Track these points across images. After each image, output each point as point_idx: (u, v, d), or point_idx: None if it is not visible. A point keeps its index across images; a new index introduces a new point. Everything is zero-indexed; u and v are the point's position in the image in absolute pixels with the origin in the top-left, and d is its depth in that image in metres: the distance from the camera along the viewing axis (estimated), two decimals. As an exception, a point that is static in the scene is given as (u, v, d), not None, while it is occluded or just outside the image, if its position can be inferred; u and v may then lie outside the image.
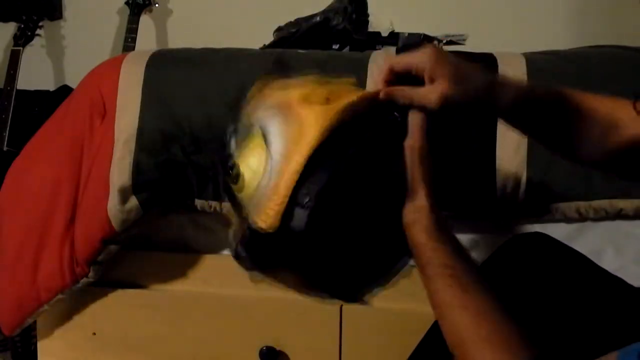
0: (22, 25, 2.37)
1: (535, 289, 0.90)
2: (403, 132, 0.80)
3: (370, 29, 1.83)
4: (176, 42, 2.49)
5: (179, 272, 1.40)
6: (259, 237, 0.77)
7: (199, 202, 1.33)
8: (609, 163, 0.87)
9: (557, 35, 2.23)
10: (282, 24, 1.80)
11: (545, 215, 1.24)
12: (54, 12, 2.60)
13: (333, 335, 1.32)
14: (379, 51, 1.49)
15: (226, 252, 1.40)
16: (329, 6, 1.78)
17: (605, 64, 1.31)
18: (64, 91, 2.33)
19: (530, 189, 1.22)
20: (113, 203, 1.31)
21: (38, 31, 2.39)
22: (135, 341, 1.41)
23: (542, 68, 1.30)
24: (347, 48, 1.74)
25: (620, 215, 1.22)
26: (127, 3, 2.42)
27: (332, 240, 0.79)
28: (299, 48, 1.58)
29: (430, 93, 0.79)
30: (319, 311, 1.32)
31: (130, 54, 1.47)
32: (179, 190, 1.33)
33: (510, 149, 1.22)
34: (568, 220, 1.25)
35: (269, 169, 0.77)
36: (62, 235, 1.36)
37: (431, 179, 0.78)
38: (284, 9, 1.94)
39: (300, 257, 0.78)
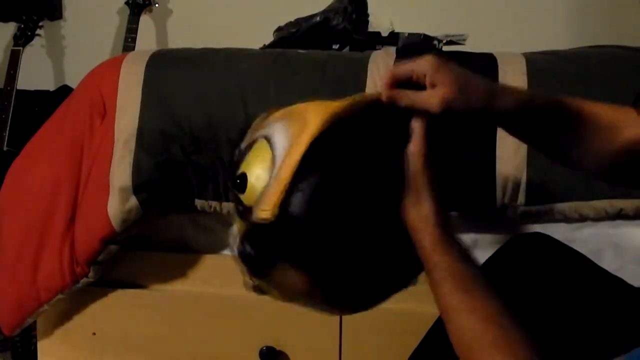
0: (22, 25, 2.37)
1: (536, 290, 0.90)
2: (404, 135, 0.80)
3: (370, 29, 1.83)
4: (176, 42, 2.49)
5: (179, 272, 1.40)
6: (261, 229, 0.76)
7: (199, 202, 1.33)
8: (611, 168, 0.87)
9: (557, 35, 2.23)
10: (282, 24, 1.80)
11: (545, 216, 1.24)
12: (54, 12, 2.60)
13: (333, 335, 1.32)
14: (379, 51, 1.49)
15: (226, 252, 1.40)
16: (329, 6, 1.78)
17: (605, 64, 1.31)
18: (64, 91, 2.33)
19: (530, 189, 1.22)
20: (113, 203, 1.31)
21: (38, 31, 2.39)
22: (135, 341, 1.41)
23: (542, 68, 1.30)
24: (347, 48, 1.74)
25: (620, 215, 1.22)
26: (127, 3, 2.42)
27: (334, 235, 0.78)
28: (299, 48, 1.58)
29: (432, 97, 0.79)
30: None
31: (130, 54, 1.47)
32: (179, 190, 1.33)
33: (510, 150, 1.22)
34: (568, 220, 1.25)
35: (275, 168, 0.77)
36: (62, 235, 1.36)
37: (436, 184, 0.78)
38: (284, 9, 1.94)
39: (303, 249, 0.77)
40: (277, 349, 1.35)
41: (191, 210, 1.35)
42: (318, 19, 1.74)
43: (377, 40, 1.81)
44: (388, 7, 2.07)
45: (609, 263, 1.15)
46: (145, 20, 2.45)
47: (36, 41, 2.41)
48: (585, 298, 0.89)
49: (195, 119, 1.32)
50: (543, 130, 0.85)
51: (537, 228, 1.24)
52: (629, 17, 2.23)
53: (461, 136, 1.21)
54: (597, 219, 1.24)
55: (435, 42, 1.79)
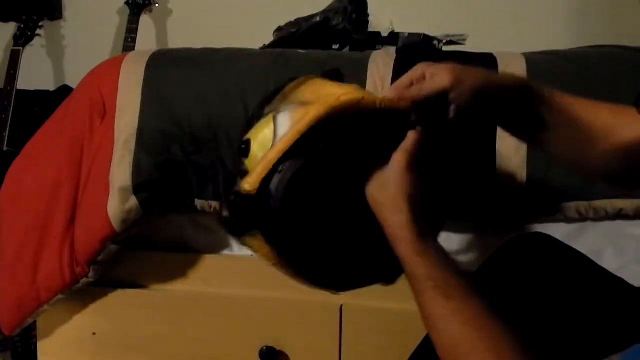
0: (22, 25, 2.37)
1: (536, 289, 0.90)
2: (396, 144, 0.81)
3: (370, 29, 1.83)
4: (176, 42, 2.49)
5: (179, 272, 1.40)
6: (242, 198, 0.80)
7: (199, 202, 1.33)
8: (609, 169, 0.87)
9: (557, 35, 2.23)
10: (282, 24, 1.80)
11: (545, 215, 1.24)
12: (54, 12, 2.60)
13: (333, 335, 1.32)
14: (379, 51, 1.49)
15: (226, 252, 1.40)
16: (329, 6, 1.78)
17: (605, 64, 1.31)
18: (64, 91, 2.33)
19: (530, 189, 1.22)
20: (113, 203, 1.31)
21: (38, 31, 2.39)
22: (135, 341, 1.41)
23: (542, 68, 1.30)
24: (347, 48, 1.74)
25: (620, 215, 1.22)
26: (127, 3, 2.42)
27: (304, 218, 0.82)
28: (299, 48, 1.58)
29: (440, 75, 0.81)
30: (319, 311, 1.32)
31: (130, 54, 1.47)
32: (179, 190, 1.33)
33: (510, 149, 1.22)
34: (568, 220, 1.25)
35: (271, 146, 0.82)
36: (62, 235, 1.36)
37: (417, 194, 0.79)
38: (284, 9, 1.94)
39: (274, 225, 0.81)
40: (277, 349, 1.35)
41: (191, 210, 1.35)
42: (318, 19, 1.74)
43: (377, 40, 1.81)
44: (388, 7, 2.07)
45: (609, 263, 1.15)
46: (145, 20, 2.45)
47: (36, 41, 2.41)
48: (586, 298, 0.89)
49: (195, 119, 1.32)
50: (541, 125, 0.85)
51: (537, 228, 1.24)
52: (629, 17, 2.23)
53: (461, 135, 1.21)
54: (597, 219, 1.24)
55: (435, 42, 1.79)
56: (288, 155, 0.79)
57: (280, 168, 0.79)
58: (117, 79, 1.38)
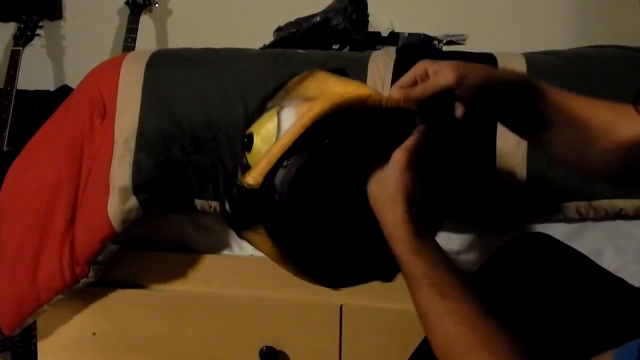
0: (22, 25, 2.37)
1: (536, 289, 0.90)
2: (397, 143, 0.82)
3: (370, 29, 1.83)
4: (176, 42, 2.49)
5: (179, 272, 1.40)
6: (245, 193, 0.80)
7: (199, 202, 1.33)
8: (608, 168, 0.87)
9: (557, 35, 2.24)
10: (282, 24, 1.80)
11: (545, 215, 1.24)
12: (54, 12, 2.60)
13: (333, 335, 1.32)
14: (379, 51, 1.49)
15: (226, 252, 1.40)
16: (329, 6, 1.78)
17: (605, 64, 1.31)
18: (64, 91, 2.33)
19: (530, 189, 1.23)
20: (113, 203, 1.31)
21: (38, 31, 2.40)
22: (135, 341, 1.41)
23: (542, 68, 1.30)
24: (347, 48, 1.74)
25: (620, 215, 1.22)
26: (127, 3, 2.42)
27: (306, 215, 0.82)
28: (299, 48, 1.58)
29: (443, 72, 0.81)
30: (319, 311, 1.32)
31: (130, 54, 1.47)
32: (179, 190, 1.33)
33: (510, 150, 1.22)
34: (568, 220, 1.25)
35: (275, 141, 0.82)
36: (62, 235, 1.36)
37: (415, 193, 0.79)
38: (284, 9, 1.94)
39: (276, 221, 0.81)
40: (277, 349, 1.35)
41: (191, 210, 1.35)
42: (318, 19, 1.74)
43: (377, 40, 1.81)
44: (388, 7, 2.07)
45: (609, 263, 1.15)
46: (145, 20, 2.45)
47: (36, 41, 2.41)
48: (586, 298, 0.89)
49: (195, 119, 1.32)
50: (532, 112, 0.85)
51: (537, 228, 1.24)
52: (629, 17, 2.23)
53: (461, 134, 1.21)
54: (597, 219, 1.24)
55: (435, 42, 1.79)
56: (292, 150, 0.79)
57: (285, 163, 0.79)
58: (117, 79, 1.38)
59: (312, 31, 1.73)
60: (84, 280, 1.36)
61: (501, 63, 1.30)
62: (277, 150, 0.79)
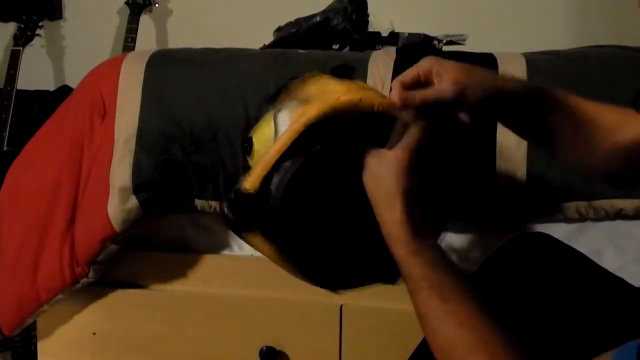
0: (22, 25, 2.37)
1: (536, 289, 0.90)
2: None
3: (370, 29, 1.83)
4: (176, 42, 2.49)
5: (179, 272, 1.40)
6: (243, 197, 0.81)
7: (199, 202, 1.33)
8: (611, 169, 0.87)
9: (557, 35, 2.24)
10: (282, 24, 1.80)
11: (545, 215, 1.24)
12: (54, 12, 2.60)
13: (333, 335, 1.32)
14: (379, 51, 1.49)
15: (226, 252, 1.40)
16: (329, 6, 1.78)
17: (605, 64, 1.31)
18: (64, 91, 2.33)
19: (530, 189, 1.22)
20: (113, 203, 1.31)
21: (38, 31, 2.40)
22: (135, 341, 1.41)
23: (542, 68, 1.30)
24: (347, 48, 1.74)
25: (620, 215, 1.22)
26: (127, 3, 2.42)
27: (303, 217, 0.83)
28: (299, 48, 1.58)
29: (443, 84, 0.80)
30: (319, 311, 1.32)
31: (130, 54, 1.47)
32: (179, 190, 1.33)
33: (511, 149, 1.22)
34: (568, 220, 1.25)
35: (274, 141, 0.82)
36: (62, 235, 1.36)
37: (413, 193, 0.78)
38: (284, 9, 1.94)
39: (274, 224, 0.82)
40: (277, 349, 1.35)
41: (191, 210, 1.35)
42: (318, 19, 1.74)
43: (377, 40, 1.81)
44: (388, 7, 2.07)
45: (609, 263, 1.15)
46: (145, 20, 2.45)
47: (36, 41, 2.41)
48: (586, 298, 0.89)
49: (195, 119, 1.32)
50: (546, 126, 0.85)
51: (537, 228, 1.24)
52: (629, 17, 2.23)
53: (461, 135, 1.21)
54: (597, 219, 1.24)
55: (435, 42, 1.79)
56: (287, 154, 0.79)
57: (282, 167, 0.79)
58: (117, 79, 1.38)
59: (312, 31, 1.73)
60: (84, 280, 1.36)
61: (501, 63, 1.30)
62: (272, 155, 0.79)
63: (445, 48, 1.82)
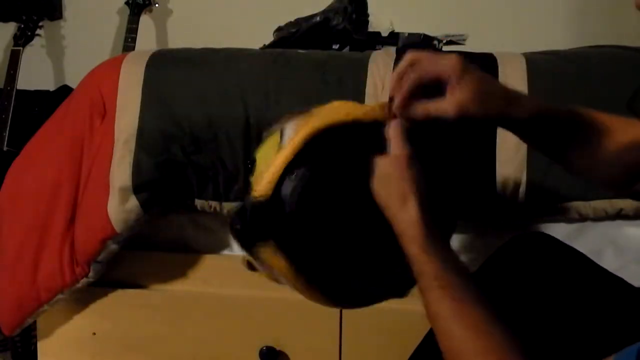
0: (22, 25, 2.37)
1: (536, 289, 0.90)
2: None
3: (370, 29, 1.83)
4: (176, 42, 2.49)
5: (179, 272, 1.40)
6: (253, 207, 0.80)
7: (199, 202, 1.33)
8: (623, 178, 0.87)
9: (557, 35, 2.23)
10: (282, 24, 1.80)
11: (545, 216, 1.24)
12: (54, 12, 2.60)
13: (333, 335, 1.32)
14: (379, 51, 1.49)
15: (226, 252, 1.40)
16: (329, 6, 1.78)
17: (605, 64, 1.31)
18: (64, 91, 2.33)
19: (530, 189, 1.22)
20: (113, 203, 1.31)
21: (38, 31, 2.39)
22: (135, 341, 1.41)
23: (542, 68, 1.30)
24: (347, 48, 1.74)
25: (620, 215, 1.22)
26: (127, 3, 2.42)
27: (318, 225, 0.81)
28: (299, 48, 1.58)
29: (448, 104, 0.79)
30: (319, 311, 1.31)
31: (130, 54, 1.47)
32: (179, 190, 1.33)
33: (511, 150, 1.22)
34: (568, 220, 1.25)
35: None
36: (62, 235, 1.36)
37: (422, 187, 0.78)
38: (284, 9, 1.94)
39: (287, 232, 0.80)
40: (277, 349, 1.35)
41: (191, 210, 1.35)
42: (318, 19, 1.74)
43: (377, 40, 1.81)
44: (388, 7, 2.07)
45: (609, 263, 1.15)
46: (145, 20, 2.45)
47: (36, 41, 2.40)
48: (586, 298, 0.89)
49: (195, 119, 1.32)
50: (556, 139, 0.85)
51: (537, 228, 1.24)
52: (629, 17, 2.22)
53: (461, 136, 1.21)
54: (597, 219, 1.24)
55: (435, 42, 1.79)
56: (298, 160, 0.78)
57: (292, 174, 0.78)
58: (117, 79, 1.38)
59: (312, 31, 1.73)
60: (84, 280, 1.36)
61: (501, 63, 1.30)
62: (282, 160, 0.79)
63: (445, 48, 1.82)
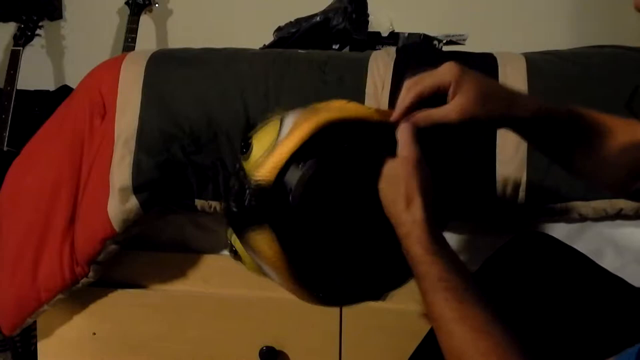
0: (22, 25, 2.37)
1: (536, 289, 0.90)
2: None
3: (370, 29, 1.83)
4: (176, 42, 2.49)
5: (179, 272, 1.40)
6: (251, 191, 0.78)
7: (199, 202, 1.33)
8: (625, 180, 0.87)
9: (557, 35, 2.24)
10: (282, 24, 1.80)
11: (545, 215, 1.24)
12: (54, 12, 2.60)
13: (333, 335, 1.32)
14: (379, 51, 1.49)
15: (226, 252, 1.40)
16: (329, 6, 1.78)
17: (605, 64, 1.31)
18: (64, 91, 2.33)
19: (530, 189, 1.22)
20: (113, 203, 1.31)
21: (38, 31, 2.39)
22: (135, 341, 1.41)
23: (542, 68, 1.29)
24: (347, 48, 1.74)
25: (620, 215, 1.22)
26: (127, 3, 2.42)
27: (317, 214, 0.80)
28: (299, 48, 1.58)
29: (451, 111, 0.79)
30: (319, 311, 1.32)
31: (130, 54, 1.47)
32: (179, 190, 1.33)
33: (510, 150, 1.22)
34: (568, 220, 1.25)
35: (277, 143, 0.80)
36: (62, 235, 1.36)
37: (429, 190, 0.78)
38: (284, 9, 1.94)
39: (284, 219, 0.79)
40: (277, 349, 1.35)
41: (191, 210, 1.35)
42: (318, 19, 1.74)
43: (377, 40, 1.82)
44: (388, 7, 2.07)
45: (609, 263, 1.15)
46: (145, 20, 2.45)
47: (36, 41, 2.41)
48: (586, 297, 0.89)
49: (195, 118, 1.32)
50: (557, 139, 0.85)
51: (537, 228, 1.24)
52: (629, 17, 2.23)
53: (461, 137, 1.21)
54: (597, 219, 1.24)
55: (435, 42, 1.79)
56: (303, 150, 0.77)
57: (298, 163, 0.77)
58: (117, 79, 1.38)
59: (312, 31, 1.73)
60: (84, 280, 1.36)
61: (501, 63, 1.30)
62: (290, 147, 0.77)
63: (445, 48, 1.83)
